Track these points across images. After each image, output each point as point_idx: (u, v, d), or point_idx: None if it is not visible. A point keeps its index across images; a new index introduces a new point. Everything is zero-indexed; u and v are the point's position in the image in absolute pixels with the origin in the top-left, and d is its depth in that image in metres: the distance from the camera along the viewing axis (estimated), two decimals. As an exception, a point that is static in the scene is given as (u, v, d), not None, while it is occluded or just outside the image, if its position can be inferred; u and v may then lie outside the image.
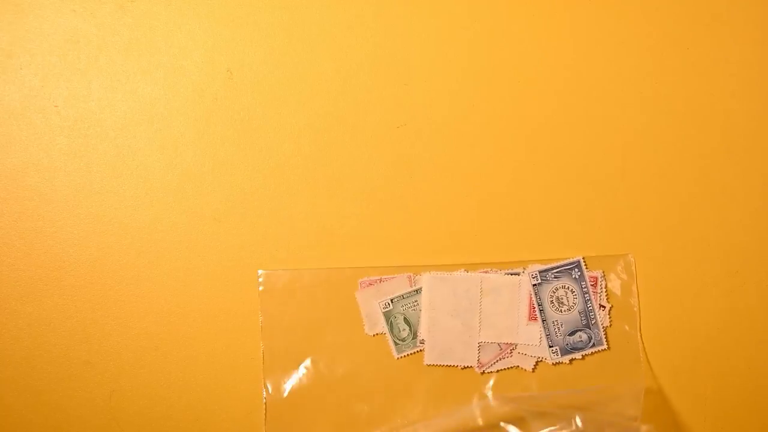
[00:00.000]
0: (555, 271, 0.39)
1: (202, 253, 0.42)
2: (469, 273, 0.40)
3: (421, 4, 0.43)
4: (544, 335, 0.39)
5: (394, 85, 0.42)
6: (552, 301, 0.39)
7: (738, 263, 0.42)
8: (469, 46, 0.42)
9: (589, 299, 0.39)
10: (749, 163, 0.42)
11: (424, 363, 0.39)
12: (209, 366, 0.42)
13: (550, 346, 0.39)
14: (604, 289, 0.39)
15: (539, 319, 0.39)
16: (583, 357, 0.39)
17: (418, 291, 0.40)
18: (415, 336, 0.39)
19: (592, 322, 0.39)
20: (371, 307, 0.40)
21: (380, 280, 0.40)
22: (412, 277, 0.40)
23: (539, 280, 0.39)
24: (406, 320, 0.39)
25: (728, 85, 0.42)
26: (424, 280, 0.40)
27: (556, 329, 0.39)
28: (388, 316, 0.39)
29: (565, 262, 0.39)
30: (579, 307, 0.39)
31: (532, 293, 0.39)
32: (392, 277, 0.40)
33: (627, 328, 0.40)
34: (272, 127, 0.42)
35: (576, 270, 0.39)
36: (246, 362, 0.42)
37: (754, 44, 0.42)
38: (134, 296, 0.42)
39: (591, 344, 0.39)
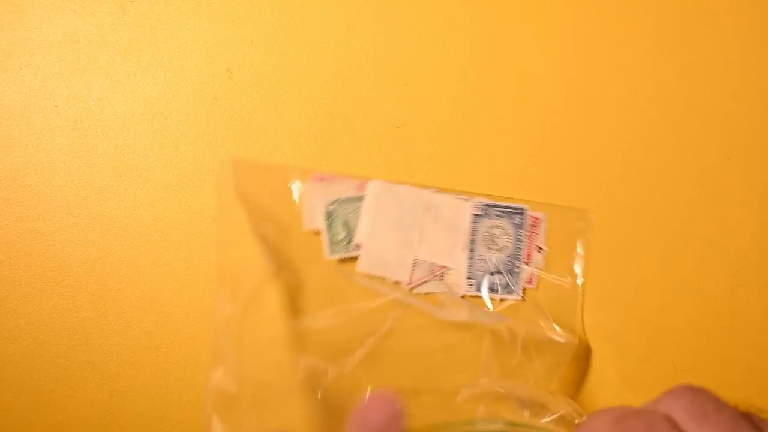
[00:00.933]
0: (499, 209, 0.39)
1: (202, 253, 0.42)
2: (417, 189, 0.39)
3: (421, 4, 0.43)
4: (466, 266, 0.39)
5: (394, 85, 0.42)
6: (485, 236, 0.39)
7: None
8: (469, 46, 0.42)
9: (521, 249, 0.39)
10: (750, 164, 0.42)
11: (356, 269, 0.38)
12: (209, 366, 0.42)
13: (468, 278, 0.39)
14: (544, 233, 0.39)
15: (467, 250, 0.39)
16: (501, 300, 0.39)
17: (363, 198, 0.39)
18: (350, 241, 0.39)
19: (516, 270, 0.39)
20: (314, 202, 0.39)
21: (332, 179, 0.39)
22: (363, 184, 0.39)
23: (481, 212, 0.39)
24: (345, 224, 0.38)
25: (728, 84, 0.42)
26: (371, 187, 0.39)
27: (480, 263, 0.39)
28: (329, 215, 0.39)
29: (512, 204, 0.39)
30: (509, 251, 0.39)
31: (470, 222, 0.39)
32: (344, 179, 0.39)
33: (565, 284, 0.40)
34: (272, 127, 0.42)
35: (519, 216, 0.39)
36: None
37: (754, 44, 0.42)
38: (134, 296, 0.42)
39: (507, 290, 0.39)
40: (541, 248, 0.39)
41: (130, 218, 0.42)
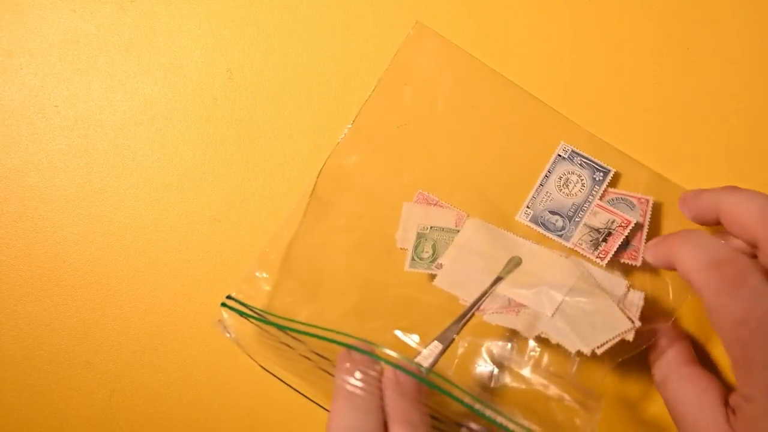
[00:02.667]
0: (585, 159, 0.39)
1: (202, 253, 0.42)
2: (513, 235, 0.39)
3: (421, 4, 0.43)
4: (530, 196, 0.39)
5: (393, 85, 0.42)
6: (561, 178, 0.39)
7: None
8: (470, 45, 0.42)
9: (589, 205, 0.39)
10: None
11: (433, 283, 0.38)
12: (209, 366, 0.42)
13: (527, 206, 0.39)
14: (649, 211, 0.39)
15: (537, 185, 0.39)
16: (545, 237, 0.39)
17: (457, 231, 0.40)
18: (433, 261, 0.39)
19: (576, 219, 0.39)
20: (410, 222, 0.40)
21: (434, 204, 0.40)
22: (462, 217, 0.40)
23: (566, 155, 0.39)
24: (433, 246, 0.39)
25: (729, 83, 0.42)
26: (469, 223, 0.39)
27: (544, 198, 0.39)
28: (420, 236, 0.39)
29: (600, 162, 0.39)
30: (576, 200, 0.39)
31: (553, 160, 0.39)
32: (445, 209, 0.40)
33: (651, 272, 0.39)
34: (272, 127, 0.42)
35: (601, 174, 0.39)
36: (246, 362, 0.42)
37: (754, 44, 0.42)
38: (134, 296, 0.42)
39: (558, 233, 0.39)
40: (641, 225, 0.38)
41: (130, 218, 0.42)
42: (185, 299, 0.42)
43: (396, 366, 0.31)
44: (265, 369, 0.39)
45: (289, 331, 0.36)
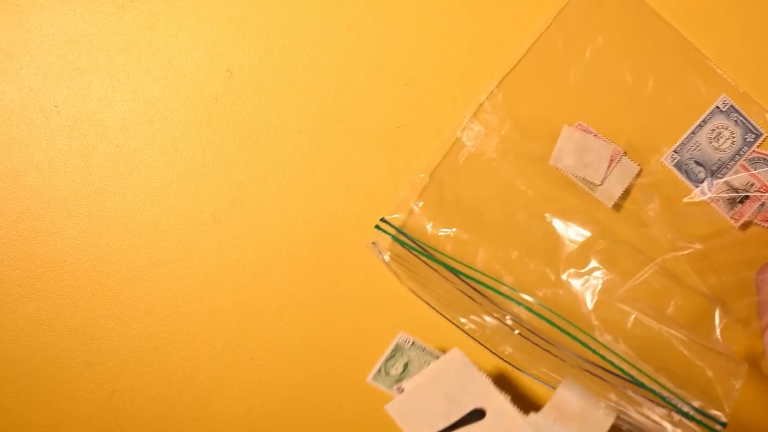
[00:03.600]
0: (741, 117, 0.39)
1: (202, 253, 0.42)
2: (488, 381, 0.36)
3: (421, 4, 0.43)
4: (679, 141, 0.39)
5: (394, 85, 0.42)
6: (714, 129, 0.39)
7: None
8: (469, 45, 0.42)
9: (734, 163, 0.39)
10: None
11: (384, 407, 0.35)
12: (209, 366, 0.42)
13: (674, 151, 0.39)
14: None
15: (689, 131, 0.39)
16: (682, 183, 0.39)
17: (437, 358, 0.38)
18: (398, 381, 0.37)
19: (718, 176, 0.39)
20: (566, 144, 0.40)
21: (594, 134, 0.40)
22: (618, 153, 0.40)
23: (724, 109, 0.39)
24: (405, 365, 0.38)
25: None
26: (450, 355, 0.37)
27: (693, 147, 0.39)
28: (397, 348, 0.38)
29: (755, 124, 0.39)
30: (723, 156, 0.39)
31: (710, 110, 0.39)
32: (603, 139, 0.40)
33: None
34: (272, 127, 0.43)
35: (753, 136, 0.39)
36: (246, 362, 0.42)
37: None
38: (134, 296, 0.42)
39: (697, 183, 0.39)
40: None
41: (130, 218, 0.42)
42: (185, 299, 0.42)
43: (532, 311, 0.33)
44: (412, 291, 0.40)
45: (436, 264, 0.37)
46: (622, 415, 0.34)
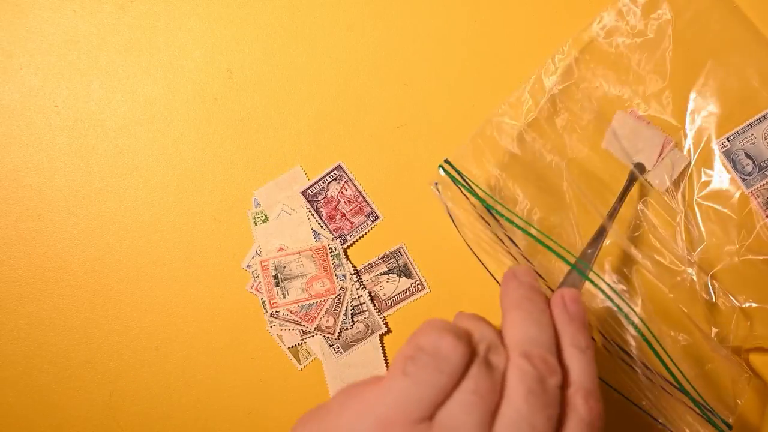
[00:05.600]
0: None
1: (202, 253, 0.42)
2: None
3: (421, 4, 0.43)
4: (734, 129, 0.39)
5: (394, 85, 0.42)
6: None
7: None
8: (469, 45, 0.42)
9: None
10: None
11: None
12: (209, 366, 0.42)
13: (726, 138, 0.39)
14: None
15: (746, 123, 0.39)
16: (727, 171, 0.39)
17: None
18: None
19: (765, 172, 0.39)
20: (620, 127, 0.40)
21: (645, 122, 0.40)
22: (669, 143, 0.40)
23: None
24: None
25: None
26: None
27: (746, 140, 0.39)
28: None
29: None
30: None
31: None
32: (654, 128, 0.40)
33: None
34: (272, 127, 0.42)
35: None
36: (245, 362, 0.42)
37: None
38: (134, 296, 0.42)
39: (743, 175, 0.39)
40: None
41: (130, 218, 0.42)
42: (185, 299, 0.42)
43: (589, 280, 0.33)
44: (465, 241, 0.40)
45: (495, 214, 0.37)
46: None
